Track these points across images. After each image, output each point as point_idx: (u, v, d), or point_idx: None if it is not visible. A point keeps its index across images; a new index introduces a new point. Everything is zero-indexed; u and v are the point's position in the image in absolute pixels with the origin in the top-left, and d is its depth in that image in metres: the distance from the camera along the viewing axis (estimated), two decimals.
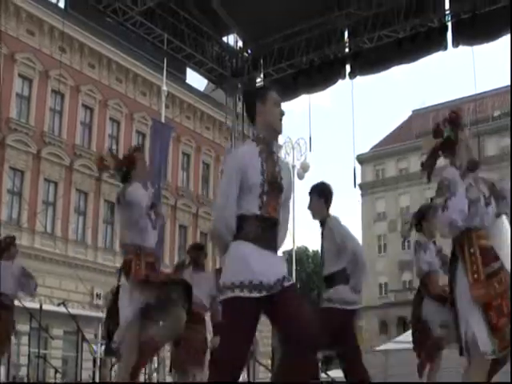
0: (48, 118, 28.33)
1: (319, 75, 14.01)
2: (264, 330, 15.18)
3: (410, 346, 6.99)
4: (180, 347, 8.14)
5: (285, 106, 4.63)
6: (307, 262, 60.86)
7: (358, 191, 53.89)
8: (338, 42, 13.73)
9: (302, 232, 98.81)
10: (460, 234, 4.48)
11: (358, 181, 50.97)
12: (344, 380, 6.22)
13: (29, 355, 12.38)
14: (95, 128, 30.52)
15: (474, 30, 12.25)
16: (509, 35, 11.77)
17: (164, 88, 21.49)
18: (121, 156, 6.57)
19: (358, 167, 51.72)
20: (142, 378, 11.43)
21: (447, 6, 12.57)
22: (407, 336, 13.53)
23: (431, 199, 5.66)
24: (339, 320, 5.99)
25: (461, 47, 12.60)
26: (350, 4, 13.29)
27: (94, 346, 18.99)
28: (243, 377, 9.54)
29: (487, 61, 38.44)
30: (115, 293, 6.35)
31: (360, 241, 6.78)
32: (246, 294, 3.70)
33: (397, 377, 7.54)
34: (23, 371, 12.88)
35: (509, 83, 17.78)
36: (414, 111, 55.80)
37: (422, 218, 6.78)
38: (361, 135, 64.31)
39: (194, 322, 7.65)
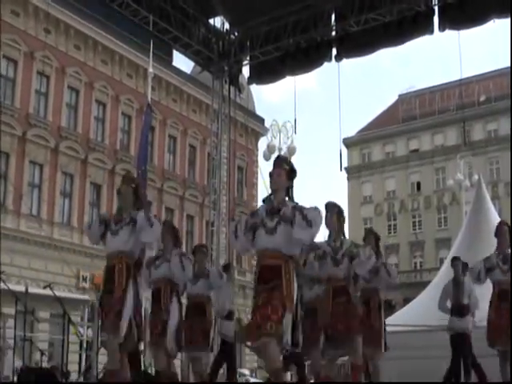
0: (33, 100, 28.07)
1: (305, 58, 13.99)
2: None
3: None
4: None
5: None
6: None
7: (345, 175, 53.99)
8: (324, 24, 13.71)
9: None
10: None
11: (345, 164, 51.08)
12: None
13: (15, 338, 12.38)
14: (81, 110, 30.31)
15: (461, 15, 12.27)
16: (492, 20, 11.88)
17: (150, 70, 21.30)
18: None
19: (345, 151, 51.71)
20: None
21: None
22: (390, 319, 13.66)
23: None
24: None
25: (447, 31, 12.63)
26: None
27: (81, 329, 18.95)
28: None
29: (473, 46, 38.52)
30: None
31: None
32: None
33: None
34: (9, 354, 12.89)
35: (502, 66, 17.90)
36: (400, 95, 55.78)
37: None
38: (347, 119, 64.04)
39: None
